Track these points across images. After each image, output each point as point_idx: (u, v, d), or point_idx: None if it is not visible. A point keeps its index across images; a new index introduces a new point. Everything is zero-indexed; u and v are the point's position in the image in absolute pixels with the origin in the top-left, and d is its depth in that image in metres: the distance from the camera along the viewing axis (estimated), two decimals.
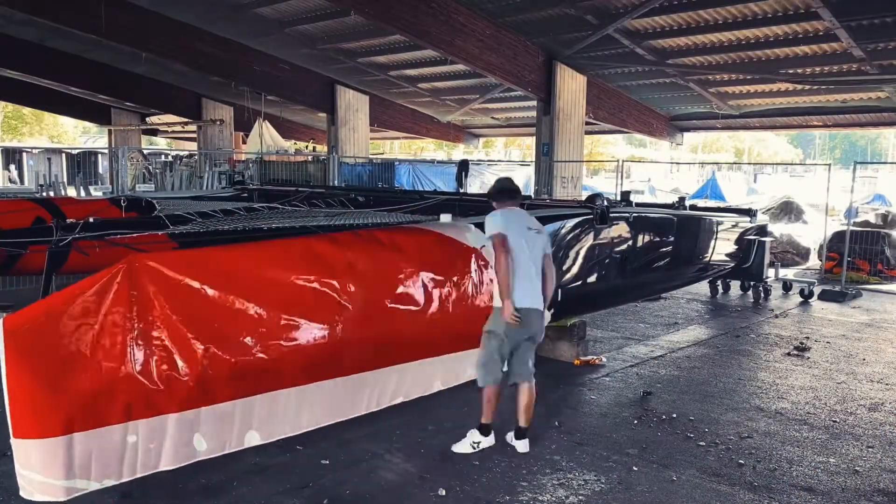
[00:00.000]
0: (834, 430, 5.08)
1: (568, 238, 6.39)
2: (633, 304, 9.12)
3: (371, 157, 22.64)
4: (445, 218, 5.37)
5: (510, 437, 4.66)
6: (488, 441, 4.61)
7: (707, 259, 9.06)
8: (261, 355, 3.84)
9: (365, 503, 3.86)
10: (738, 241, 9.73)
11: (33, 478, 3.24)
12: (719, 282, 10.47)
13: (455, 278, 4.82)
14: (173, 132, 31.90)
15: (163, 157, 24.64)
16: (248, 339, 3.81)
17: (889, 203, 22.64)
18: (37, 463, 3.22)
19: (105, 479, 3.41)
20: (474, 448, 4.54)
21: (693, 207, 9.82)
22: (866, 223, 14.02)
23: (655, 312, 9.03)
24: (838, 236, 12.20)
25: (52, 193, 17.30)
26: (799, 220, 16.02)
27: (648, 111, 19.75)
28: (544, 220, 6.17)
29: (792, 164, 44.31)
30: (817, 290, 10.46)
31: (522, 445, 4.59)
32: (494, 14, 14.04)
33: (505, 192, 4.83)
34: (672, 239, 8.17)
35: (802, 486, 4.16)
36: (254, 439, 3.83)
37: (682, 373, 6.45)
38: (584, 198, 8.86)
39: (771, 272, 10.60)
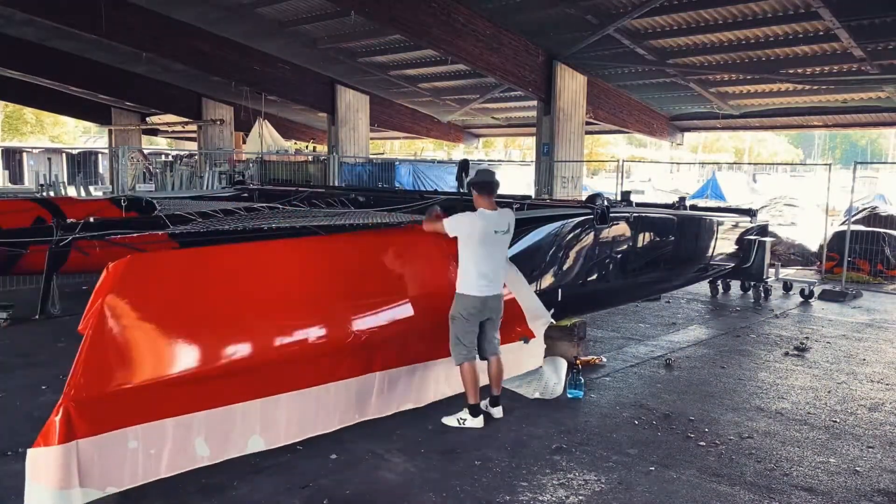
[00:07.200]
0: (834, 430, 5.08)
1: (568, 238, 6.39)
2: (633, 304, 9.12)
3: (371, 157, 22.63)
4: None
5: (485, 404, 5.02)
6: (475, 422, 4.86)
7: (707, 259, 9.05)
8: (261, 357, 3.85)
9: (365, 503, 3.86)
10: (739, 241, 9.72)
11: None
12: (719, 282, 10.46)
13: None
14: (173, 132, 31.90)
15: (163, 156, 24.65)
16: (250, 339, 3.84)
17: (889, 202, 22.59)
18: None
19: (108, 486, 3.43)
20: (460, 423, 4.84)
21: (693, 207, 9.81)
22: (866, 219, 13.98)
23: (655, 312, 9.02)
24: (838, 236, 12.19)
25: (52, 193, 17.31)
26: (799, 220, 15.99)
27: (648, 111, 19.74)
28: (545, 220, 6.20)
29: (792, 164, 44.22)
30: (818, 290, 10.46)
31: (497, 412, 5.05)
32: (495, 14, 14.03)
33: (485, 186, 4.97)
34: (672, 239, 8.16)
35: (802, 486, 4.16)
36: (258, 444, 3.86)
37: (682, 373, 6.45)
38: (584, 198, 8.85)
39: (771, 272, 10.59)
